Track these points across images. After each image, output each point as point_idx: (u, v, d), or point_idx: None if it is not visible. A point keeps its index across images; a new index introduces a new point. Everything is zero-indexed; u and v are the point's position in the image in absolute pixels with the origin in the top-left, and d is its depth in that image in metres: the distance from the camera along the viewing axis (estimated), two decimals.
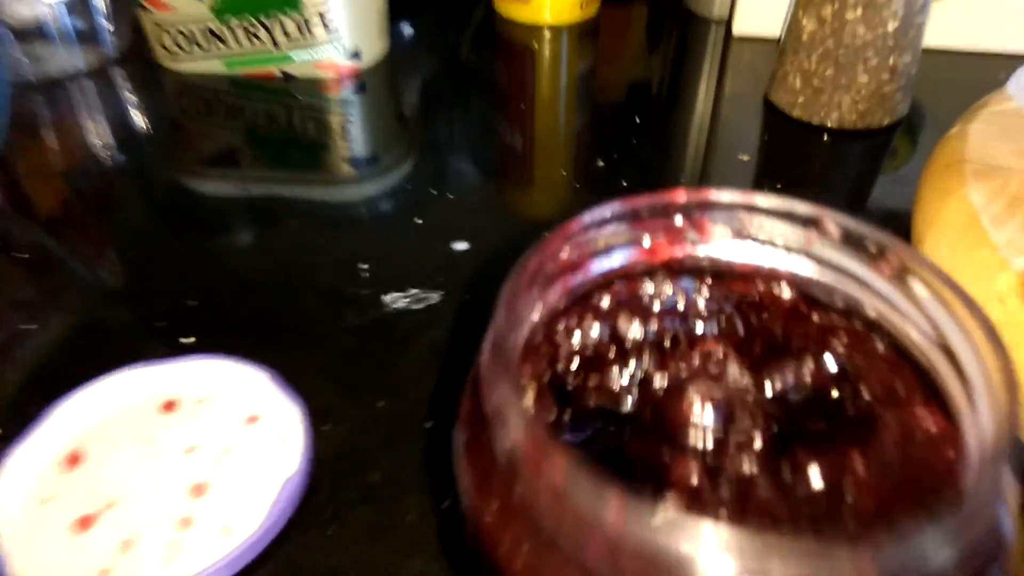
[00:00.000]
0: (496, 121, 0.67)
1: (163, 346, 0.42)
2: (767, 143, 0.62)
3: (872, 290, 0.22)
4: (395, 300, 0.44)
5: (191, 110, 0.67)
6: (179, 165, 0.60)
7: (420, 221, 0.52)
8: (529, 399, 0.19)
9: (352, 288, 0.46)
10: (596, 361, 0.24)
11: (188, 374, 0.39)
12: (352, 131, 0.65)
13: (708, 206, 0.23)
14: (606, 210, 0.23)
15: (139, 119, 0.65)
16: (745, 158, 0.60)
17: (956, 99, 0.53)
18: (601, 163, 0.59)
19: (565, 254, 0.22)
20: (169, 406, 0.38)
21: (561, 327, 0.24)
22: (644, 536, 0.15)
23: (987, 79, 0.54)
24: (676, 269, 0.24)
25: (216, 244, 0.51)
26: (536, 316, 0.22)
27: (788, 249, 0.23)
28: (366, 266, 0.47)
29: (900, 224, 0.46)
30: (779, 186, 0.56)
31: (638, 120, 0.65)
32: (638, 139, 0.62)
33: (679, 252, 0.24)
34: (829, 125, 0.62)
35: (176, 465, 0.35)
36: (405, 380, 0.40)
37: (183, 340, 0.42)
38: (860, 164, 0.61)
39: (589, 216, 0.23)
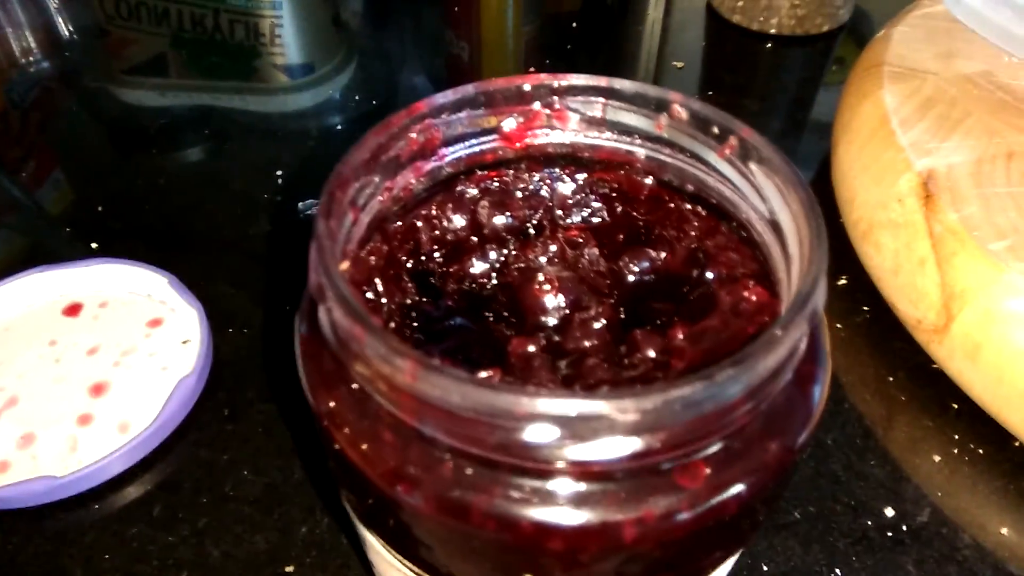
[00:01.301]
0: (440, 29, 0.65)
1: (69, 250, 0.41)
2: (705, 51, 0.61)
3: (717, 173, 0.22)
4: (309, 207, 0.44)
5: (115, 14, 0.64)
6: (103, 73, 0.58)
7: (342, 128, 0.51)
8: (346, 277, 0.19)
9: (265, 194, 0.45)
10: (456, 247, 0.24)
11: (92, 278, 0.39)
12: (284, 36, 0.63)
13: (563, 91, 0.23)
14: (459, 92, 0.22)
15: (63, 26, 0.63)
16: (679, 65, 0.58)
17: (904, 5, 0.51)
18: (533, 71, 0.58)
19: (416, 135, 0.22)
20: (73, 309, 0.38)
21: (421, 213, 0.24)
22: (429, 391, 0.16)
23: None
24: (536, 156, 0.24)
25: (131, 153, 0.50)
26: (382, 200, 0.22)
27: (643, 135, 0.23)
28: (281, 173, 0.47)
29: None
30: (710, 93, 0.56)
31: (574, 27, 0.63)
32: (575, 46, 0.61)
33: (538, 138, 0.23)
34: (770, 31, 0.60)
35: (77, 365, 0.35)
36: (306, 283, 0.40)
37: (89, 245, 0.42)
38: (800, 72, 0.60)
39: (440, 97, 0.22)
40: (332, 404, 0.19)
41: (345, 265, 0.20)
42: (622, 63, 0.61)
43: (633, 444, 0.17)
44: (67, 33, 0.62)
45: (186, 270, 0.39)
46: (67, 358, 0.36)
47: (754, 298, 0.20)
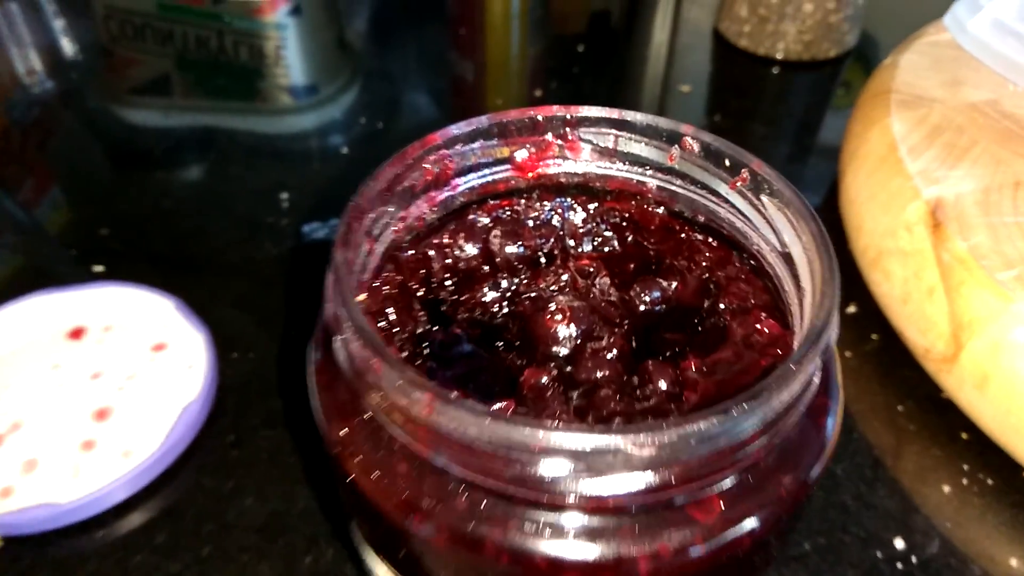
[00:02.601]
0: (445, 50, 0.66)
1: (72, 273, 0.41)
2: (712, 75, 0.61)
3: (729, 205, 0.22)
4: (315, 230, 0.44)
5: (119, 35, 0.64)
6: (107, 93, 0.58)
7: (346, 151, 0.51)
8: (362, 308, 0.19)
9: (270, 218, 0.45)
10: (468, 275, 0.24)
11: (96, 301, 0.39)
12: (288, 58, 0.63)
13: (576, 122, 0.23)
14: (473, 123, 0.23)
15: (67, 45, 0.63)
16: (686, 89, 0.59)
17: (911, 31, 0.50)
18: (539, 93, 0.58)
19: (430, 166, 0.22)
20: (76, 333, 0.38)
21: (434, 241, 0.24)
22: (442, 423, 0.16)
23: (940, 10, 0.52)
24: (548, 186, 0.24)
25: (135, 174, 0.50)
26: (396, 230, 0.22)
27: (654, 166, 0.23)
28: (286, 195, 0.47)
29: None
30: (717, 118, 0.56)
31: (580, 49, 0.63)
32: (581, 68, 0.61)
33: (550, 168, 0.23)
34: (777, 56, 0.61)
35: (81, 390, 0.35)
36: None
37: (93, 268, 0.42)
38: (807, 97, 0.60)
39: (454, 128, 0.22)
40: (345, 433, 0.19)
41: (362, 296, 0.20)
42: (628, 86, 0.61)
43: (647, 478, 0.17)
44: (71, 53, 0.63)
45: (190, 294, 0.38)
46: (71, 382, 0.36)
47: (766, 330, 0.20)
